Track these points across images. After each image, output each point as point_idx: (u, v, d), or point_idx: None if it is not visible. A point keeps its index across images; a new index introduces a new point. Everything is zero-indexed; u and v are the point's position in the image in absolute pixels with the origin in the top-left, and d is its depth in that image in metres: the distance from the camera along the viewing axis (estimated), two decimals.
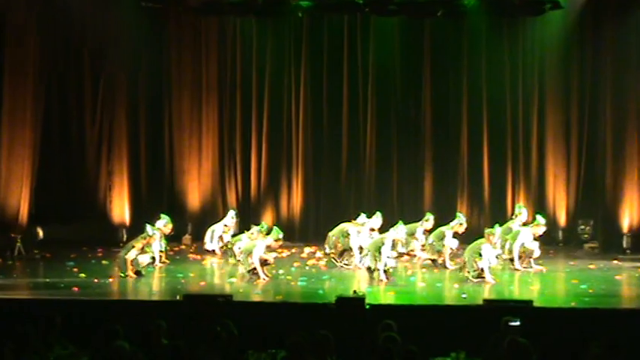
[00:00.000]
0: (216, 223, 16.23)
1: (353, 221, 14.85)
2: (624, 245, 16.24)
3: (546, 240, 15.83)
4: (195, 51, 18.18)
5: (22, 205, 15.90)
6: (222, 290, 12.35)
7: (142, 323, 8.03)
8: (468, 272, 12.95)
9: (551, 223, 17.03)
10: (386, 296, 11.90)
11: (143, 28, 17.50)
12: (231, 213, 16.34)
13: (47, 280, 13.24)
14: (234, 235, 15.38)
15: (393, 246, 13.38)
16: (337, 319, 9.81)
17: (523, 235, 14.08)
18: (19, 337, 7.42)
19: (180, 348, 7.15)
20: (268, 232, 13.65)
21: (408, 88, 18.16)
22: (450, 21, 17.69)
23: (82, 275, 13.24)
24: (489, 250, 12.96)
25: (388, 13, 17.28)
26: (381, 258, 12.75)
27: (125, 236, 16.81)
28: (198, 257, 15.66)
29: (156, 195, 17.94)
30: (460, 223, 14.60)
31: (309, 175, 18.20)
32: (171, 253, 15.58)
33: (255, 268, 12.93)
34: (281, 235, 13.45)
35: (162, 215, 15.07)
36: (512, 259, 14.05)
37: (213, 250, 15.83)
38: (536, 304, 10.36)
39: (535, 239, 14.24)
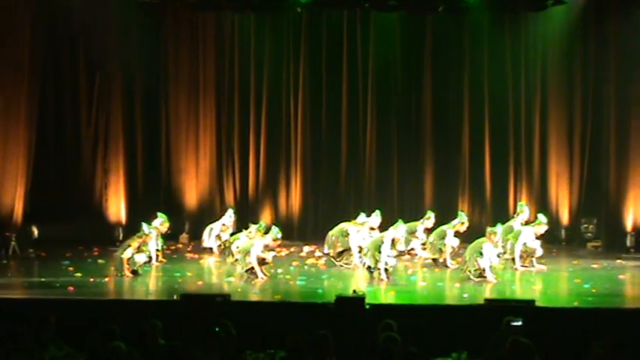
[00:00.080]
0: (214, 221, 16.23)
1: (353, 221, 14.84)
2: (628, 244, 16.24)
3: (549, 239, 15.85)
4: (192, 47, 18.15)
5: (16, 203, 15.87)
6: (220, 290, 12.33)
7: (138, 323, 8.04)
8: (469, 271, 12.95)
9: (554, 221, 17.04)
10: (386, 296, 11.91)
11: (139, 23, 17.46)
12: (230, 212, 16.34)
13: (42, 279, 13.21)
14: (232, 234, 15.38)
15: (393, 244, 13.37)
16: (337, 319, 9.81)
17: (525, 235, 14.08)
18: (14, 337, 7.42)
19: (177, 348, 7.16)
20: (266, 231, 13.65)
21: (408, 85, 18.14)
22: (451, 17, 17.67)
23: (78, 274, 13.23)
24: (490, 248, 12.96)
25: (388, 9, 17.27)
26: (381, 257, 12.75)
27: (121, 235, 16.78)
28: (196, 256, 15.66)
29: (152, 193, 17.92)
30: (462, 221, 14.60)
31: (308, 173, 18.19)
32: (168, 252, 15.59)
33: (252, 268, 12.93)
34: (279, 234, 13.45)
35: (158, 214, 15.08)
36: (513, 259, 14.05)
37: (211, 248, 15.83)
38: (538, 303, 10.37)
39: (537, 238, 14.24)
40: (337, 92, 18.10)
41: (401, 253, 14.86)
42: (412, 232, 15.02)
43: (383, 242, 12.88)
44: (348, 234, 14.39)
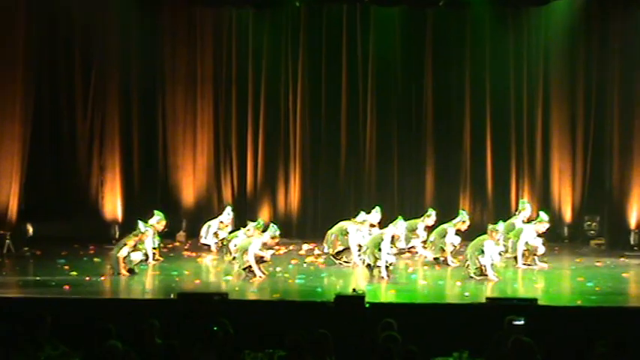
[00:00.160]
0: (212, 219, 16.24)
1: (352, 219, 14.84)
2: (631, 242, 16.29)
3: (551, 236, 15.89)
4: (189, 42, 18.14)
5: (11, 201, 15.87)
6: (217, 288, 12.34)
7: (135, 322, 8.04)
8: (470, 270, 12.95)
9: (557, 219, 17.08)
10: (386, 294, 11.91)
11: (136, 19, 17.46)
12: (228, 209, 16.35)
13: (37, 278, 13.20)
14: (230, 232, 15.39)
15: (392, 242, 13.36)
16: (336, 318, 9.82)
17: (526, 233, 14.09)
18: (9, 337, 7.42)
19: (175, 348, 7.16)
20: (265, 229, 13.65)
21: (409, 80, 18.14)
22: (453, 11, 17.69)
23: (74, 273, 13.22)
24: (492, 246, 12.96)
25: (388, 3, 17.30)
26: (381, 254, 12.75)
27: (118, 233, 16.80)
28: (193, 254, 15.66)
29: (149, 191, 17.91)
30: (463, 220, 14.61)
31: (307, 170, 18.19)
32: (165, 250, 15.60)
33: (250, 266, 12.92)
34: (278, 232, 13.45)
35: (155, 212, 15.09)
36: (515, 257, 14.06)
37: (209, 246, 15.84)
38: (540, 302, 10.38)
39: (538, 236, 14.25)
40: (337, 88, 18.10)
41: (401, 251, 14.87)
42: (413, 230, 15.04)
43: (382, 239, 12.88)
44: (348, 232, 14.39)
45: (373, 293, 11.49)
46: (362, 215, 14.87)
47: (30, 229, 16.37)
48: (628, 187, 16.60)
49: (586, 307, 10.80)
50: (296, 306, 10.75)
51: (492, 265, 12.95)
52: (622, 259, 15.22)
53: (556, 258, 15.23)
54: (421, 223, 15.16)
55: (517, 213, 15.21)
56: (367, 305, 10.17)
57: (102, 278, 12.98)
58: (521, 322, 8.29)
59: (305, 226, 17.97)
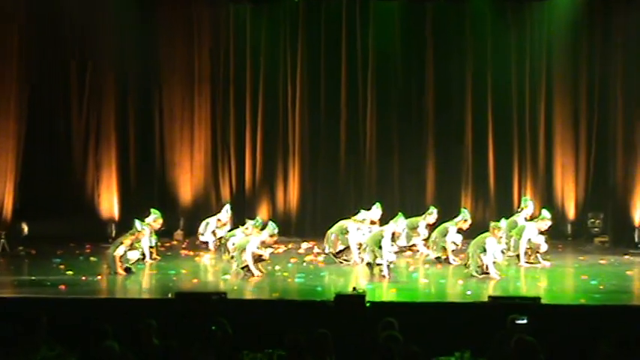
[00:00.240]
0: (211, 216, 16.25)
1: (352, 218, 14.84)
2: (636, 239, 16.31)
3: (555, 234, 15.89)
4: (186, 38, 18.13)
5: (5, 199, 15.89)
6: (215, 288, 12.35)
7: (132, 322, 8.03)
8: (471, 268, 12.95)
9: (560, 216, 17.09)
10: (387, 293, 11.92)
11: (132, 14, 17.45)
12: (227, 207, 16.35)
13: (33, 277, 13.20)
14: (229, 231, 15.39)
15: (393, 239, 13.36)
16: (336, 318, 9.83)
17: (528, 231, 14.09)
18: (4, 337, 7.42)
19: (173, 348, 7.16)
20: (263, 227, 13.65)
21: (409, 75, 18.13)
22: (453, 5, 17.70)
23: (69, 273, 13.23)
24: (494, 244, 12.97)
25: None
26: (382, 253, 12.74)
27: (114, 232, 16.82)
28: (191, 253, 15.66)
29: (146, 189, 17.92)
30: (464, 219, 14.61)
31: (306, 168, 18.18)
32: (162, 249, 15.61)
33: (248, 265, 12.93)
34: (276, 230, 13.46)
35: (152, 210, 15.09)
36: (518, 256, 14.06)
37: (207, 243, 15.84)
38: (544, 301, 10.38)
39: (541, 233, 14.25)
40: (336, 83, 18.10)
41: (402, 249, 14.87)
42: (414, 228, 15.04)
43: (383, 237, 12.88)
44: (348, 231, 14.40)
45: (374, 292, 11.49)
46: (362, 213, 14.86)
47: (25, 228, 16.38)
48: (632, 183, 16.62)
49: (590, 306, 10.81)
50: (295, 305, 10.75)
51: (494, 263, 12.95)
52: (626, 256, 15.23)
53: (559, 256, 15.24)
54: (422, 221, 15.17)
55: (519, 210, 15.22)
56: (368, 304, 10.18)
57: (98, 278, 13.00)
58: (524, 321, 8.28)
59: (304, 224, 17.98)
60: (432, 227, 15.07)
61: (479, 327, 9.18)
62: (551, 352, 7.53)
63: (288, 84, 18.15)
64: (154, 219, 14.90)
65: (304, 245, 16.23)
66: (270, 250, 13.65)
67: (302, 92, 18.12)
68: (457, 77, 17.97)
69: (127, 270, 13.25)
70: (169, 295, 10.94)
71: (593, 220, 17.22)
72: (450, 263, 14.27)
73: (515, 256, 14.12)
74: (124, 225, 15.51)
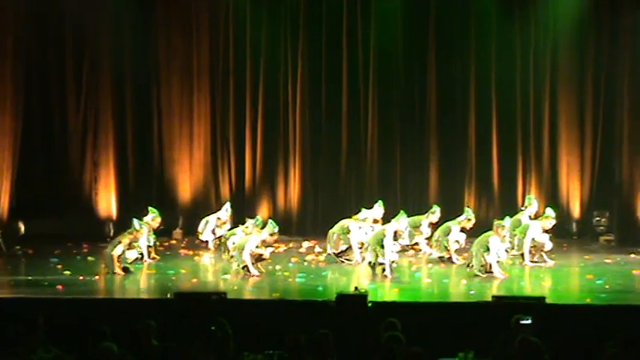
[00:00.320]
0: (210, 214, 16.23)
1: (354, 217, 14.83)
2: None
3: (560, 233, 15.89)
4: (185, 33, 18.10)
5: (2, 198, 15.89)
6: (215, 287, 12.38)
7: (130, 323, 8.03)
8: (474, 267, 12.94)
9: (565, 214, 17.07)
10: (389, 293, 11.92)
11: (130, 9, 17.43)
12: (227, 205, 16.32)
13: (29, 277, 13.23)
14: (229, 230, 15.38)
15: (395, 237, 13.35)
16: (338, 318, 9.83)
17: (532, 230, 14.09)
18: (1, 338, 7.42)
19: (172, 349, 7.17)
20: (264, 226, 13.65)
21: (411, 73, 18.09)
22: (457, 2, 17.66)
23: (67, 272, 13.24)
24: (497, 243, 12.96)
25: None
26: (384, 252, 12.73)
27: (112, 231, 16.82)
28: (190, 253, 15.65)
29: (144, 187, 17.91)
30: (468, 218, 14.60)
31: (306, 165, 18.17)
32: (161, 248, 15.60)
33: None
34: (276, 229, 13.47)
35: (150, 209, 15.08)
36: (522, 255, 14.06)
37: (207, 242, 15.83)
38: (548, 300, 10.40)
39: (545, 232, 14.25)
40: (337, 80, 18.07)
41: (404, 248, 14.87)
42: (416, 227, 15.03)
43: (385, 236, 12.87)
44: (350, 230, 14.39)
45: (376, 292, 11.51)
46: (363, 212, 14.85)
47: (21, 227, 16.36)
48: (638, 181, 16.60)
49: (595, 306, 10.83)
50: (296, 305, 10.76)
51: (498, 262, 12.95)
52: (632, 255, 15.21)
53: (564, 255, 15.24)
54: (425, 220, 15.15)
55: (523, 208, 15.20)
56: (370, 304, 10.18)
57: (96, 277, 13.00)
58: (529, 322, 8.28)
59: (305, 223, 17.96)
60: (434, 226, 15.06)
61: (482, 327, 9.18)
62: (556, 352, 7.54)
63: (288, 80, 18.11)
64: (153, 218, 14.89)
65: (305, 244, 16.22)
66: (270, 249, 13.65)
67: (303, 89, 18.09)
68: (461, 76, 17.92)
69: (125, 270, 13.26)
70: (168, 295, 10.94)
71: (598, 218, 17.18)
72: (453, 262, 14.27)
73: (519, 255, 14.12)
74: (122, 224, 15.52)
